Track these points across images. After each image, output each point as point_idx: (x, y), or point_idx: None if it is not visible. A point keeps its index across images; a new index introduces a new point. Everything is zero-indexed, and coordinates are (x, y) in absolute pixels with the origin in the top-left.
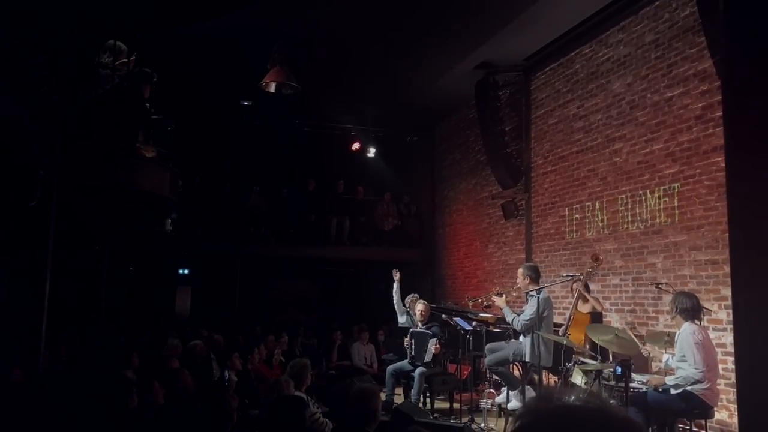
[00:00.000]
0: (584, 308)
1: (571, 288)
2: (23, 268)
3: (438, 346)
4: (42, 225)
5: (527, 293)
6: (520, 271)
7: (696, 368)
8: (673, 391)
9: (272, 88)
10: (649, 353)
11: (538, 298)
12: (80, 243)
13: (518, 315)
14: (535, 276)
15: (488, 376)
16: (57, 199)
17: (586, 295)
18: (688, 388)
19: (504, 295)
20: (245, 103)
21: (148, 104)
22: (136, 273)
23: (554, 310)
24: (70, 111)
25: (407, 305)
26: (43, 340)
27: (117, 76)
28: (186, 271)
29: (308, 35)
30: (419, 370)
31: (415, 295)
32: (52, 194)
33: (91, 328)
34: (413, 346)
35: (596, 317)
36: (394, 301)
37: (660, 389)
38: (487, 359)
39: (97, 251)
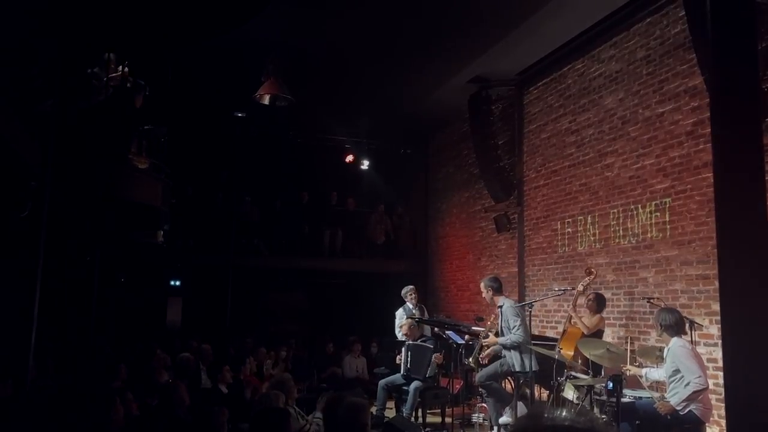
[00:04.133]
0: (588, 320)
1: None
2: (14, 279)
3: (440, 355)
4: (33, 236)
5: (499, 307)
6: (482, 285)
7: (698, 377)
8: (684, 411)
9: (266, 100)
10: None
11: (501, 309)
12: (71, 254)
13: (507, 335)
14: (497, 286)
15: (480, 390)
16: (48, 209)
17: (573, 314)
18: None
19: (489, 335)
20: (239, 114)
21: (139, 114)
22: (127, 284)
23: (547, 324)
24: (62, 122)
25: (403, 295)
26: (32, 351)
27: (110, 86)
28: (177, 282)
29: (303, 47)
30: (414, 384)
31: (412, 287)
32: (43, 205)
33: (80, 339)
34: (409, 359)
35: (598, 333)
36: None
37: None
38: (478, 375)
39: (88, 262)
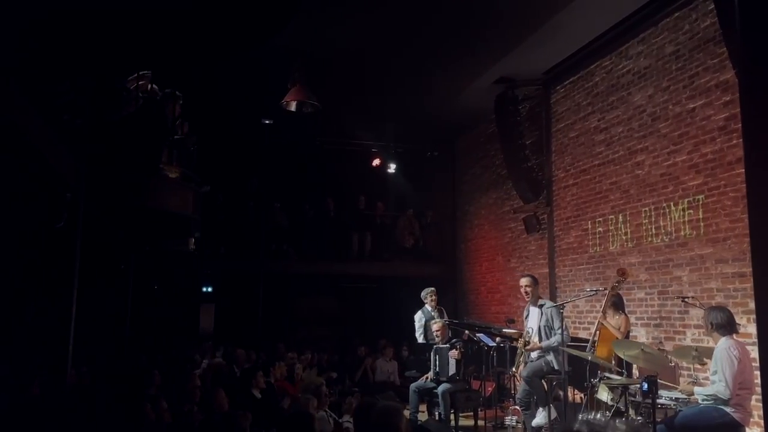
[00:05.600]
0: (615, 322)
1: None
2: (51, 288)
3: (456, 350)
4: (69, 245)
5: (540, 306)
6: (529, 281)
7: (726, 387)
8: (700, 401)
9: (293, 107)
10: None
11: (542, 308)
12: (107, 262)
13: (554, 335)
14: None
15: (513, 392)
16: (83, 220)
17: (604, 321)
18: (720, 406)
19: (530, 342)
20: (267, 121)
21: (178, 122)
22: (161, 291)
23: (579, 325)
24: (95, 134)
25: (423, 297)
26: (69, 358)
27: (140, 97)
28: (210, 289)
29: (328, 53)
30: (442, 387)
31: (432, 288)
32: (78, 215)
33: (115, 346)
34: (437, 363)
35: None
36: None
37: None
38: (524, 371)
39: (122, 270)
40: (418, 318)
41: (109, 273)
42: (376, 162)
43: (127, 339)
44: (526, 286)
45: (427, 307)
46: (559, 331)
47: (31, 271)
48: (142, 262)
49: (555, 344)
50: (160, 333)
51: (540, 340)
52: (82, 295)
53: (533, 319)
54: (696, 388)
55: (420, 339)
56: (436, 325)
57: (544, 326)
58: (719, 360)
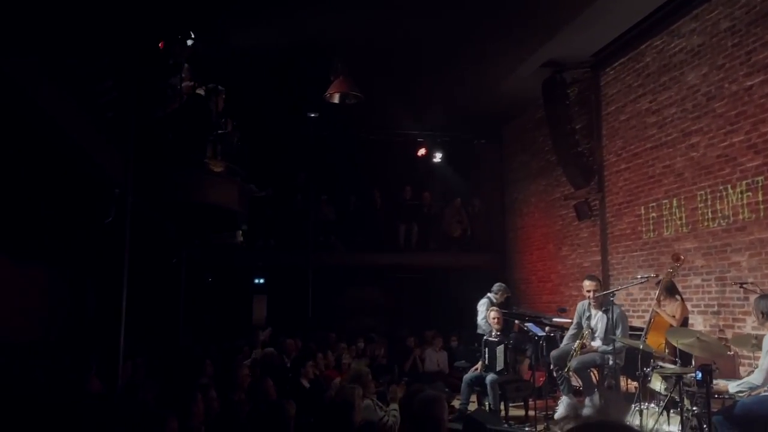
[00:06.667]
0: (670, 309)
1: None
2: (108, 283)
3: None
4: (119, 240)
5: (605, 310)
6: (596, 284)
7: (761, 373)
8: (738, 396)
9: (336, 99)
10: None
11: (609, 310)
12: (158, 256)
13: (614, 337)
14: None
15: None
16: (132, 215)
17: (658, 309)
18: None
19: (587, 343)
20: (312, 115)
21: (222, 117)
22: (215, 283)
23: (633, 313)
24: (140, 131)
25: (494, 290)
26: (121, 352)
27: (183, 94)
28: (261, 281)
29: (370, 44)
30: (489, 377)
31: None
32: (126, 211)
33: (170, 338)
34: (487, 355)
35: (684, 322)
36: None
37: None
38: (575, 362)
39: (175, 264)
40: (486, 305)
41: (161, 267)
42: (422, 152)
43: (181, 330)
44: (593, 290)
45: (492, 297)
46: (622, 335)
47: (87, 268)
48: (194, 256)
49: (610, 349)
50: (214, 324)
51: (603, 343)
52: (138, 289)
53: (597, 321)
54: (730, 384)
55: (483, 325)
56: (493, 313)
57: (609, 326)
58: (764, 348)
